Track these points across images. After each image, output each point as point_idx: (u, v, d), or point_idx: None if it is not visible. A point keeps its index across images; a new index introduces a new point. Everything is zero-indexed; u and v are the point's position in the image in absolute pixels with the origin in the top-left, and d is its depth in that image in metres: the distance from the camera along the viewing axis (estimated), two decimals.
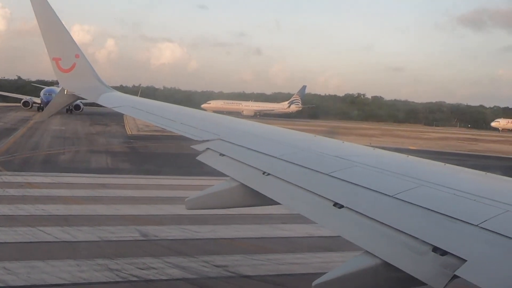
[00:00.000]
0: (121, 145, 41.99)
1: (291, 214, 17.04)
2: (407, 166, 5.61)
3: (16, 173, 24.57)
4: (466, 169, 5.60)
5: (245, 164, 6.14)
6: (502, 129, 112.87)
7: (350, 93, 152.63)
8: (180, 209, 17.10)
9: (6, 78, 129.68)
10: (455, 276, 3.12)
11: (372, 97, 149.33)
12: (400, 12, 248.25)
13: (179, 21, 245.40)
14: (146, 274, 11.80)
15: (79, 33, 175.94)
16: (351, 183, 4.71)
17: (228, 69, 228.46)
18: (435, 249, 3.34)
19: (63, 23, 12.27)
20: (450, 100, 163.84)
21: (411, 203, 4.04)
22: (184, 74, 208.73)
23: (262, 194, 5.32)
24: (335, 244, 14.65)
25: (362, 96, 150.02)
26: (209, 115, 12.10)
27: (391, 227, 3.75)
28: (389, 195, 4.25)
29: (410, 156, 6.24)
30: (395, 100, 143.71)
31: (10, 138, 39.94)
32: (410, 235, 3.58)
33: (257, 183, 5.53)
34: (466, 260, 3.14)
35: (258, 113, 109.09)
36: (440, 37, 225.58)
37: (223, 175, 6.22)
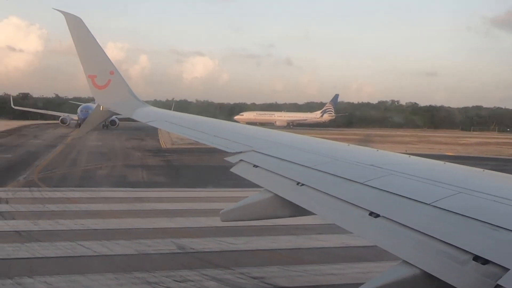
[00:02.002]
0: (156, 158, 42.55)
1: (326, 224, 16.86)
2: (445, 173, 5.49)
3: (55, 188, 25.17)
4: (507, 175, 5.44)
5: (279, 175, 6.12)
6: None
7: (384, 100, 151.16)
8: (215, 221, 17.23)
9: (44, 96, 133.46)
10: (497, 286, 3.02)
11: (406, 103, 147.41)
12: (431, 17, 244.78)
13: (209, 35, 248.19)
14: (183, 287, 11.85)
15: (113, 51, 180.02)
16: (387, 191, 4.64)
17: (259, 81, 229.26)
18: (476, 258, 3.25)
19: (98, 41, 12.58)
20: (487, 104, 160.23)
21: (450, 210, 3.94)
22: (216, 87, 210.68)
23: (297, 205, 5.29)
24: (372, 254, 14.43)
25: (396, 102, 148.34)
26: (242, 126, 12.14)
27: (430, 235, 3.67)
28: (426, 203, 4.16)
29: (447, 163, 6.11)
30: (430, 105, 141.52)
31: (49, 155, 41.00)
32: (449, 244, 3.49)
33: (292, 193, 5.51)
34: (508, 269, 3.04)
35: (291, 123, 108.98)
36: (474, 40, 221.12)
37: (257, 186, 6.22)
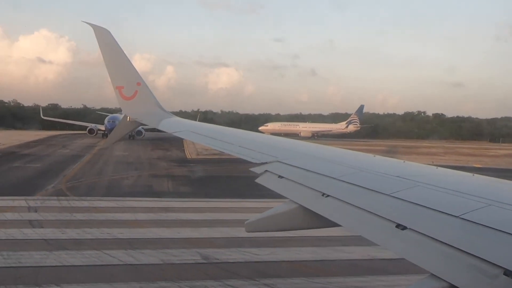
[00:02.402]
0: (181, 169, 42.85)
1: (351, 236, 16.72)
2: (474, 185, 5.39)
3: (82, 198, 25.54)
4: None
5: (304, 185, 6.10)
6: None
7: (410, 111, 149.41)
8: (240, 232, 17.30)
9: (72, 107, 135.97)
10: None
11: (433, 114, 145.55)
12: (458, 26, 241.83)
13: (234, 46, 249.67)
14: None
15: (140, 62, 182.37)
16: (414, 203, 4.57)
17: (284, 91, 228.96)
18: (507, 272, 3.17)
19: (125, 53, 12.78)
20: None
21: (480, 223, 3.87)
22: (241, 98, 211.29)
23: (322, 216, 5.25)
24: (398, 266, 14.22)
25: (422, 113, 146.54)
26: (267, 137, 12.15)
27: (458, 249, 3.60)
28: (455, 216, 4.09)
29: (476, 175, 6.00)
30: (457, 116, 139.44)
31: (76, 165, 41.66)
32: (479, 257, 3.42)
33: (317, 204, 5.48)
34: None
35: (315, 134, 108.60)
36: (502, 50, 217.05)
37: (282, 197, 6.20)
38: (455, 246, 3.64)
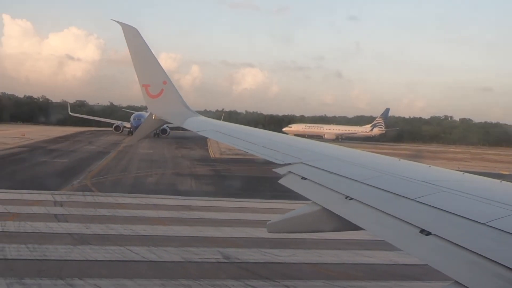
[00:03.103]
0: (204, 168, 43.06)
1: (373, 240, 16.59)
2: (501, 192, 5.29)
3: (107, 194, 25.89)
4: None
5: (327, 188, 6.06)
6: None
7: (436, 115, 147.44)
8: (261, 232, 17.31)
9: (99, 103, 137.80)
10: None
11: (460, 119, 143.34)
12: (487, 30, 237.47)
13: (260, 47, 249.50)
14: None
15: (166, 61, 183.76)
16: (439, 209, 4.51)
17: (308, 93, 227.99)
18: None
19: (152, 51, 12.90)
20: None
21: (506, 231, 3.79)
22: (265, 99, 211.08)
23: (345, 219, 5.21)
24: (420, 272, 14.06)
25: (449, 118, 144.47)
26: (291, 138, 12.12)
27: (484, 256, 3.54)
28: (480, 223, 4.02)
29: (503, 182, 5.89)
30: (485, 122, 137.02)
31: (102, 161, 42.23)
32: (505, 266, 3.35)
33: (340, 207, 5.44)
34: None
35: (339, 137, 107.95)
36: None
37: (305, 199, 6.18)
38: (480, 253, 3.58)
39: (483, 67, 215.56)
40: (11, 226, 17.31)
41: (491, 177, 6.24)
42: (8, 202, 21.44)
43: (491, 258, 3.48)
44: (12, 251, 14.44)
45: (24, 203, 21.50)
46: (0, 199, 22.14)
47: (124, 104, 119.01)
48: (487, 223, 3.97)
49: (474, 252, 3.63)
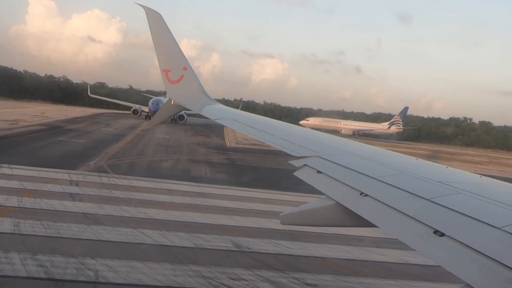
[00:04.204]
0: (220, 156, 43.20)
1: (385, 238, 16.57)
2: None
3: (122, 176, 26.12)
4: None
5: (343, 183, 6.04)
6: None
7: (456, 116, 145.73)
8: (273, 224, 17.36)
9: (119, 86, 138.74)
10: None
11: (479, 122, 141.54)
12: (510, 34, 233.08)
13: (280, 38, 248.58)
14: (237, 285, 11.96)
15: (186, 47, 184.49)
16: (454, 210, 4.48)
17: (327, 87, 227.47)
18: None
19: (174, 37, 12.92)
20: None
21: None
22: (284, 90, 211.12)
23: (358, 215, 5.19)
24: (431, 273, 14.00)
25: (468, 120, 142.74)
26: (308, 131, 12.09)
27: (497, 261, 3.51)
28: (496, 227, 3.98)
29: None
30: (505, 126, 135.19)
31: (118, 144, 42.58)
32: None
33: (354, 203, 5.43)
34: None
35: (356, 133, 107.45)
36: None
37: (318, 192, 6.18)
38: (494, 258, 3.55)
39: (506, 71, 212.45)
40: (27, 202, 17.57)
41: (508, 182, 6.17)
42: (25, 178, 21.75)
43: (505, 263, 3.45)
44: (27, 226, 14.66)
45: (40, 181, 21.79)
46: (18, 175, 22.49)
47: (143, 88, 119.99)
48: (502, 228, 3.94)
49: (488, 256, 3.61)
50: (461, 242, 3.90)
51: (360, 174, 6.20)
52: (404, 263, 15.33)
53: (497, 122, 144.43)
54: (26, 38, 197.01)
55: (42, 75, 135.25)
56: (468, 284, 3.48)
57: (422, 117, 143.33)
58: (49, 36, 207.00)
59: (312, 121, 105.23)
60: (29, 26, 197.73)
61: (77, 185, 22.18)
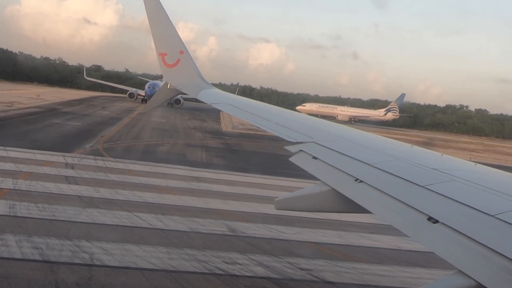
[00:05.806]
0: (215, 140, 43.18)
1: (379, 224, 16.67)
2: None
3: (118, 159, 26.10)
4: None
5: (338, 169, 6.05)
6: None
7: (452, 104, 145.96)
8: (268, 209, 17.41)
9: (115, 70, 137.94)
10: None
11: (475, 109, 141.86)
12: (508, 21, 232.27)
13: (277, 22, 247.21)
14: (231, 269, 12.03)
15: (183, 30, 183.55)
16: (449, 198, 4.49)
17: (324, 72, 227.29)
18: None
19: (171, 20, 12.81)
20: None
21: None
22: (280, 75, 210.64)
23: (353, 201, 5.21)
24: (424, 259, 14.11)
25: (464, 108, 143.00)
26: (305, 117, 12.08)
27: (490, 248, 3.54)
28: (489, 214, 4.00)
29: None
30: (500, 114, 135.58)
31: (114, 127, 42.49)
32: (510, 259, 3.35)
33: (349, 189, 5.44)
34: None
35: (353, 119, 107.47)
36: None
37: (314, 178, 6.19)
38: (487, 245, 3.57)
39: (503, 59, 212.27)
40: (23, 184, 17.56)
41: (503, 170, 6.20)
42: (21, 161, 21.72)
43: (497, 251, 3.48)
44: (23, 208, 14.67)
45: (36, 163, 21.76)
46: (13, 157, 22.44)
47: (140, 72, 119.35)
48: (496, 215, 3.96)
49: (481, 243, 3.63)
50: (454, 229, 3.92)
51: (355, 160, 6.21)
52: (397, 249, 15.45)
53: (493, 110, 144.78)
54: (21, 19, 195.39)
55: (38, 57, 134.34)
56: (460, 271, 3.50)
57: (419, 104, 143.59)
58: (45, 17, 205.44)
59: (308, 106, 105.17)
60: (24, 7, 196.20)
61: (72, 168, 22.16)
